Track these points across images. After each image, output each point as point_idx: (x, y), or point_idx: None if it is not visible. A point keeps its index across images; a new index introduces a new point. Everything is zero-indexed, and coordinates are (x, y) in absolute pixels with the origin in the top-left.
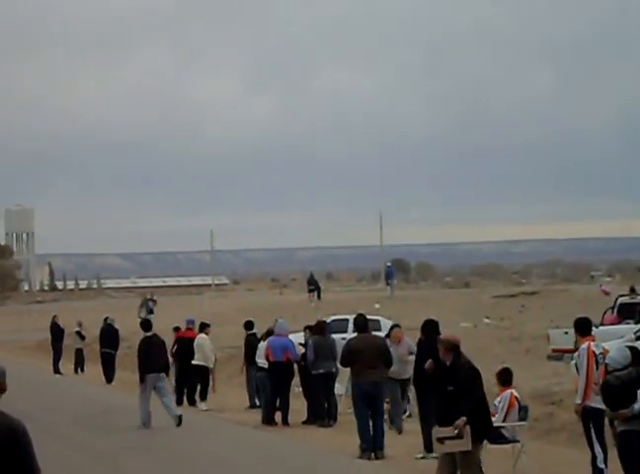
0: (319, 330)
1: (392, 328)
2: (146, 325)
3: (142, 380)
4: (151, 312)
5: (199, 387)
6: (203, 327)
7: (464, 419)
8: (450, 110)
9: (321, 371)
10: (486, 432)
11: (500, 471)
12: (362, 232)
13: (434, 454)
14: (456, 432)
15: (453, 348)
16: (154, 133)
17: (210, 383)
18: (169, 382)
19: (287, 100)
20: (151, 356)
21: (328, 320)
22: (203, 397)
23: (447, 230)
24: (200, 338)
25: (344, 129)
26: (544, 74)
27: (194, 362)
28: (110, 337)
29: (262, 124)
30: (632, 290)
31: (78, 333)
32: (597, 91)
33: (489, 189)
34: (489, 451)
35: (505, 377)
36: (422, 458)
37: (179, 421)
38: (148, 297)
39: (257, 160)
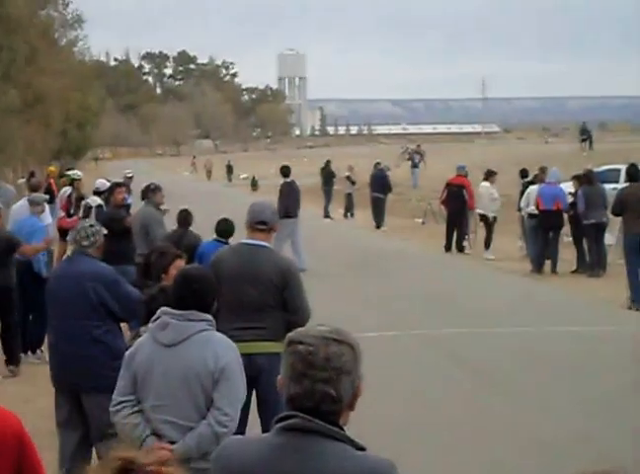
0: (587, 180)
1: None
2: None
3: None
4: (415, 166)
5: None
6: (488, 175)
7: None
8: None
9: (592, 221)
10: None
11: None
12: (637, 82)
13: None
14: None
15: None
16: None
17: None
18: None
19: None
20: None
21: (599, 169)
22: (487, 246)
23: None
24: (481, 186)
25: None
26: None
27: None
28: (380, 182)
29: None
30: None
31: (348, 178)
32: None
33: None
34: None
35: None
36: None
37: None
38: (414, 149)
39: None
